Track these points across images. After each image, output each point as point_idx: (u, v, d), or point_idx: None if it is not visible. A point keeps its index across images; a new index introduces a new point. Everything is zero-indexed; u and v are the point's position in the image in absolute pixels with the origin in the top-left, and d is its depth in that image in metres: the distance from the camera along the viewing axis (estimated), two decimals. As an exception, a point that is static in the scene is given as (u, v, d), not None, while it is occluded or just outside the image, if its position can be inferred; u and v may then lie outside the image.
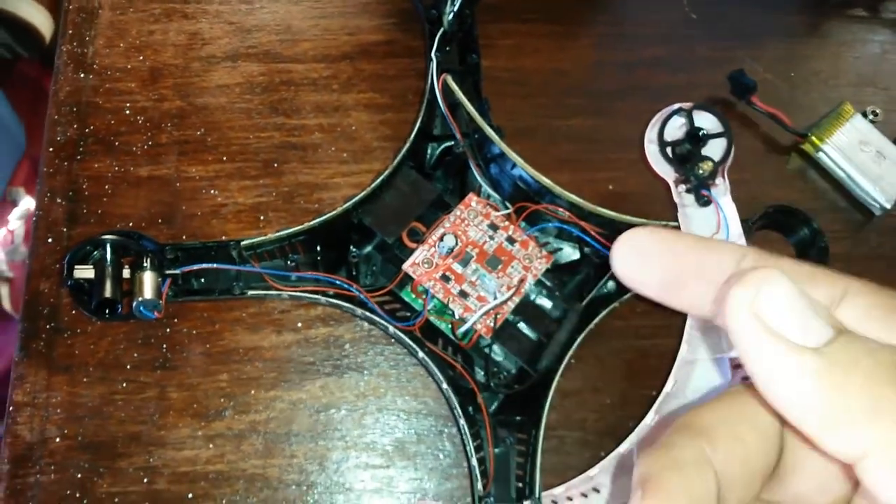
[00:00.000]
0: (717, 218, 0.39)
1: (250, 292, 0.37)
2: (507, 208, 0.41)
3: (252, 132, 0.43)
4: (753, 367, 0.14)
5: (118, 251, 0.35)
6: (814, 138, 0.45)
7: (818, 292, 0.16)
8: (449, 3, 0.44)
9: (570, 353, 0.38)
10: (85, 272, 0.35)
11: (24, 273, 0.89)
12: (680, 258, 0.18)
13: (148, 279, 0.35)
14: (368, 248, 0.40)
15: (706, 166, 0.39)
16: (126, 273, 0.36)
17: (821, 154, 0.45)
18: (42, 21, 0.96)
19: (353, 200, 0.39)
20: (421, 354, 0.37)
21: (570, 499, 0.36)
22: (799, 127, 0.46)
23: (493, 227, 0.40)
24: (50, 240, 0.40)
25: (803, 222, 0.41)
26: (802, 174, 0.46)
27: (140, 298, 0.34)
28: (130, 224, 0.40)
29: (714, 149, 0.40)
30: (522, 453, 0.36)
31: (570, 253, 0.41)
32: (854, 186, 0.45)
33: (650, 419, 0.37)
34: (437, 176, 0.43)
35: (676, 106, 0.41)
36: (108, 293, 0.34)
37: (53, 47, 0.98)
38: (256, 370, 0.38)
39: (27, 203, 0.93)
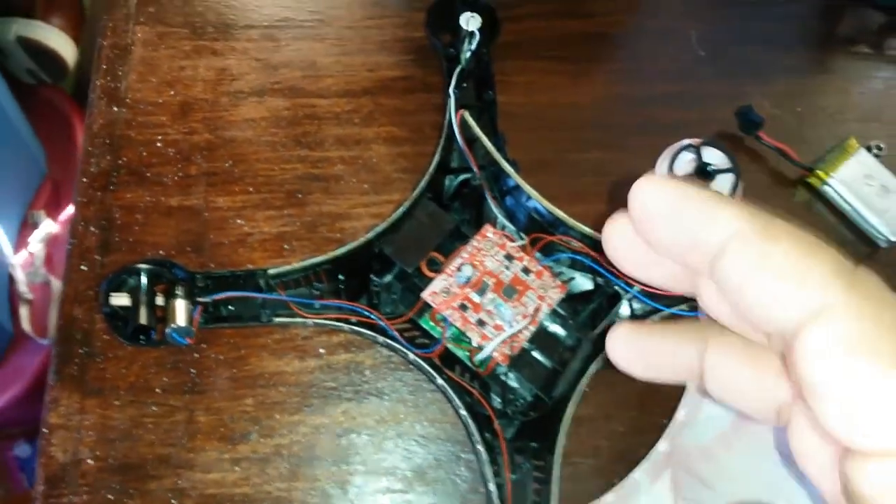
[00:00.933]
0: (726, 250, 0.41)
1: (277, 319, 0.39)
2: (522, 239, 0.42)
3: (277, 164, 0.45)
4: None
5: (152, 279, 0.37)
6: (820, 172, 0.47)
7: (794, 299, 0.15)
8: (466, 41, 0.46)
9: (584, 380, 0.39)
10: (121, 299, 0.36)
11: (44, 295, 0.90)
12: (653, 356, 0.19)
13: (181, 307, 0.36)
14: (389, 277, 0.42)
15: (716, 201, 0.40)
16: (159, 300, 0.37)
17: (826, 188, 0.47)
18: (65, 48, 0.99)
19: (375, 231, 0.41)
20: (439, 381, 0.39)
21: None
22: (805, 161, 0.47)
23: (509, 257, 0.41)
24: (84, 267, 0.41)
25: (810, 255, 0.43)
26: (809, 207, 0.48)
27: (173, 325, 0.36)
28: (161, 252, 0.42)
29: (722, 183, 0.42)
30: (539, 480, 0.37)
31: (583, 283, 0.43)
32: (860, 219, 0.46)
33: (662, 446, 0.38)
34: (455, 207, 0.44)
35: (686, 142, 0.42)
36: (143, 320, 0.35)
37: (76, 73, 1.01)
38: (281, 395, 0.40)
39: (48, 226, 0.95)
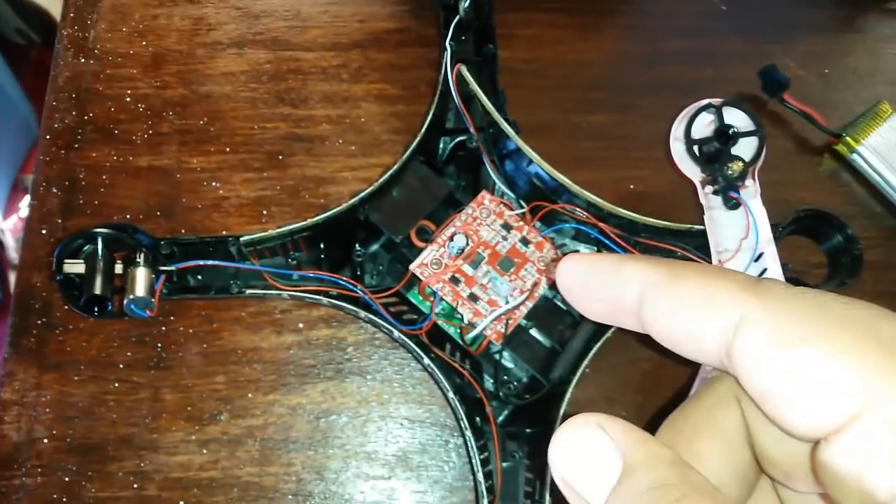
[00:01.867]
0: (745, 222, 0.37)
1: (249, 291, 0.35)
2: (521, 207, 0.39)
3: (257, 122, 0.41)
4: None
5: (111, 245, 0.34)
6: (848, 139, 0.43)
7: (712, 324, 0.15)
8: (465, -11, 0.42)
9: (586, 362, 0.36)
10: (75, 267, 0.33)
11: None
12: (600, 289, 0.18)
13: (141, 276, 0.33)
14: (375, 247, 0.38)
15: (736, 167, 0.37)
16: (119, 268, 0.34)
17: (855, 156, 0.43)
18: (54, 5, 0.95)
19: (360, 196, 0.37)
20: (427, 360, 0.35)
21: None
22: (833, 126, 0.43)
23: (507, 226, 0.38)
24: (44, 231, 0.38)
25: (837, 228, 0.39)
26: (835, 176, 0.44)
27: (132, 296, 0.32)
28: (128, 216, 0.39)
29: (744, 148, 0.38)
30: (532, 469, 0.34)
31: (587, 256, 0.39)
32: (890, 191, 0.43)
33: (669, 435, 0.35)
34: (449, 172, 0.41)
35: (705, 102, 0.39)
36: (97, 290, 0.32)
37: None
38: (255, 372, 0.36)
39: (38, 190, 0.92)
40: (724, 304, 0.15)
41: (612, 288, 0.17)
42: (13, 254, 0.91)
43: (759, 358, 0.15)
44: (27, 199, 0.92)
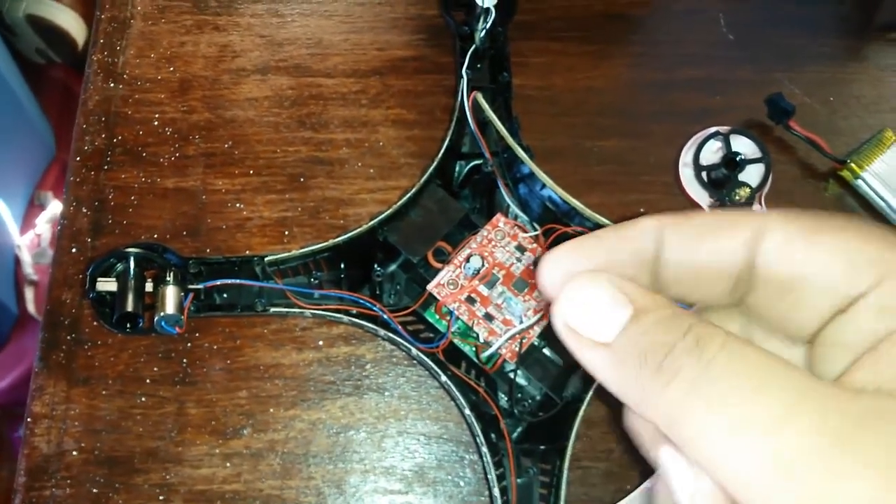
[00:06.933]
0: (752, 246, 0.38)
1: (273, 309, 0.37)
2: (535, 230, 0.40)
3: (279, 146, 0.43)
4: (578, 359, 0.18)
5: (141, 264, 0.35)
6: (853, 165, 0.44)
7: (735, 238, 0.17)
8: (481, 19, 0.43)
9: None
10: (107, 285, 0.34)
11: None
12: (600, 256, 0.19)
13: (171, 294, 0.34)
14: (393, 267, 0.40)
15: (743, 192, 0.38)
16: (149, 286, 0.35)
17: (859, 182, 0.44)
18: (75, 27, 0.97)
19: (379, 218, 0.38)
20: (443, 378, 0.37)
21: (593, 533, 0.35)
22: (838, 153, 0.44)
23: (521, 248, 0.39)
24: (74, 249, 0.39)
25: (842, 252, 0.40)
26: (840, 202, 0.45)
27: (162, 313, 0.34)
28: (155, 236, 0.40)
29: (751, 174, 0.39)
30: (546, 484, 0.35)
31: (598, 277, 0.40)
32: (893, 215, 0.44)
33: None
34: (465, 195, 0.42)
35: (713, 129, 0.40)
36: (129, 307, 0.34)
37: (86, 53, 0.99)
38: (276, 388, 0.38)
39: (55, 207, 0.94)
40: (745, 220, 0.18)
41: (620, 246, 0.19)
42: (29, 269, 0.92)
43: (786, 248, 0.17)
44: (44, 215, 0.94)
